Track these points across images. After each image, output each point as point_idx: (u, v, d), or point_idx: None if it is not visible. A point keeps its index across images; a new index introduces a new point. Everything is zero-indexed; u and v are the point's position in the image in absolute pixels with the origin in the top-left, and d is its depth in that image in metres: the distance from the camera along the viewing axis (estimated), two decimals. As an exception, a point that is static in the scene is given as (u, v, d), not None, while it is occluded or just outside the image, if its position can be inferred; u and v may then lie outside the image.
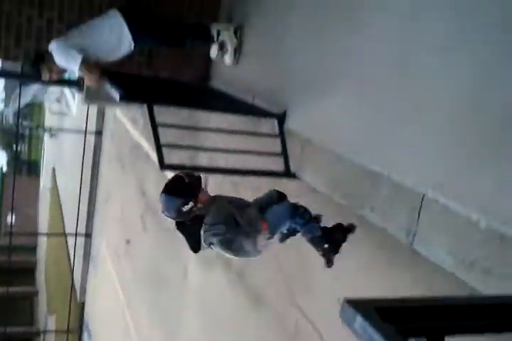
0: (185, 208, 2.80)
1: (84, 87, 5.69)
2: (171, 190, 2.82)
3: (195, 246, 2.97)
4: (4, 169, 33.51)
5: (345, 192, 3.34)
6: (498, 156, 2.33)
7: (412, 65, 2.81)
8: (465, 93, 2.50)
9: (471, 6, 2.48)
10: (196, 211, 2.84)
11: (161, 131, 3.57)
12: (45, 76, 4.17)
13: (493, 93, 2.37)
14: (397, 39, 2.93)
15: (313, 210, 3.22)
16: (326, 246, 3.17)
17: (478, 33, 2.44)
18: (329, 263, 3.21)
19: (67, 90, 16.00)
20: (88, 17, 4.45)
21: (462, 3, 2.54)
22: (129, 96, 3.50)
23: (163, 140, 3.54)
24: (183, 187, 2.82)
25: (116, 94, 3.48)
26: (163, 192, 2.81)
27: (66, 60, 4.01)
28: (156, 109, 3.60)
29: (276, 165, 3.90)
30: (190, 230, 2.95)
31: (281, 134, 3.94)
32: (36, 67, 4.13)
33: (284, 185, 3.96)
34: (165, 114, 4.03)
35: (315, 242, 3.21)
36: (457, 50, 2.54)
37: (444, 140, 2.60)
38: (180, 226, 2.99)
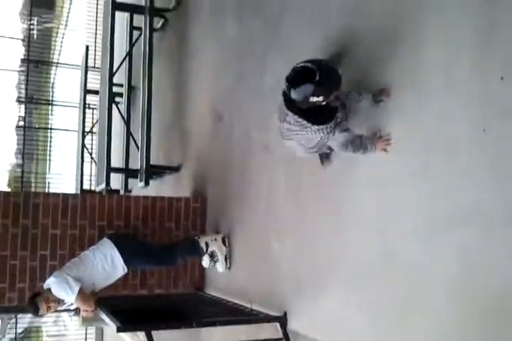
0: (314, 99, 2.56)
1: (80, 315, 5.64)
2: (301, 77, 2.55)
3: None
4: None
5: None
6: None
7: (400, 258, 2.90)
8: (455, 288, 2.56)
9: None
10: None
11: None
12: (43, 309, 4.15)
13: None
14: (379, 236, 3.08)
15: None
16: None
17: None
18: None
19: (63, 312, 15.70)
20: (80, 249, 4.64)
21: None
22: (126, 327, 3.52)
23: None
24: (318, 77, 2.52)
25: (113, 326, 3.48)
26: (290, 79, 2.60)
27: (64, 290, 4.09)
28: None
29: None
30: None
31: (286, 337, 3.85)
32: (33, 303, 4.14)
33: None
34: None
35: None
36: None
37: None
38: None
